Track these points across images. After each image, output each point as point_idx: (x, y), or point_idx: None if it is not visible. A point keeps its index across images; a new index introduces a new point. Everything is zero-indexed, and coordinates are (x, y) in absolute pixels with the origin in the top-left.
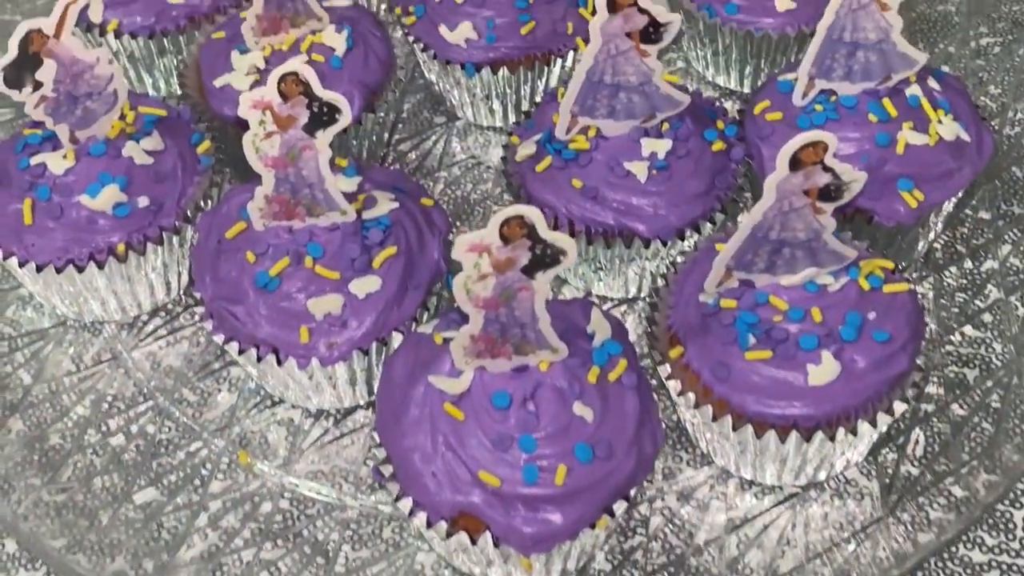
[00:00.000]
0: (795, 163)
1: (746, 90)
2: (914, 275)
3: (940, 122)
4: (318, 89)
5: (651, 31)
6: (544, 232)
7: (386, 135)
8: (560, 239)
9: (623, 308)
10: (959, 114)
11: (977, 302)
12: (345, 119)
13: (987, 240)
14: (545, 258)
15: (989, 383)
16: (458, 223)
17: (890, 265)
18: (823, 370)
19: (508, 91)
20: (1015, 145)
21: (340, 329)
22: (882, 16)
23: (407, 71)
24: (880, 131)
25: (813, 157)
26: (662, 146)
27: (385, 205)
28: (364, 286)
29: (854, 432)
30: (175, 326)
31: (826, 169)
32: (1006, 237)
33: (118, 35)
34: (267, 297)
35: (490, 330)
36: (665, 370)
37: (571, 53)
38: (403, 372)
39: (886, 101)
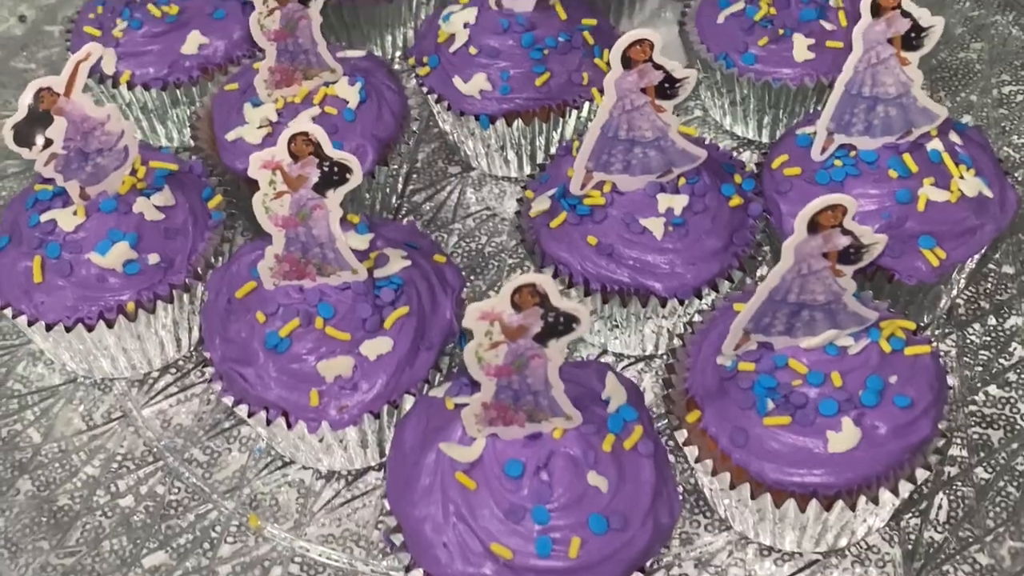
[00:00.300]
0: (813, 226)
1: (764, 140)
2: (936, 332)
3: (962, 177)
4: (328, 149)
5: (666, 86)
6: (557, 300)
7: (400, 186)
8: (573, 307)
9: (640, 366)
10: (981, 169)
11: (1001, 360)
12: (356, 179)
13: (1011, 296)
14: (558, 326)
15: (1015, 445)
16: (472, 277)
17: (911, 326)
18: (843, 437)
19: (523, 142)
20: None
21: (351, 392)
22: (902, 71)
23: (422, 120)
24: (901, 187)
25: (832, 220)
26: (679, 202)
27: (397, 263)
28: (375, 347)
29: (875, 501)
30: (185, 383)
31: (845, 232)
32: None
33: (131, 86)
34: (277, 359)
35: (502, 398)
36: (682, 435)
37: (587, 104)
38: (414, 438)
39: (907, 156)
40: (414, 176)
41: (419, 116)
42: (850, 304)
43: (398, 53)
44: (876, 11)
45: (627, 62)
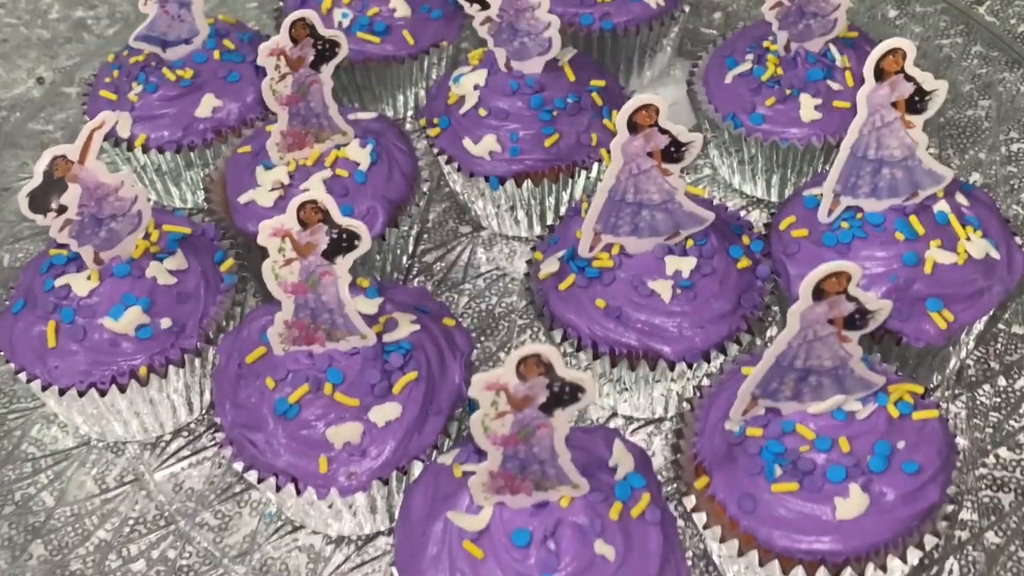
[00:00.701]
0: (819, 293)
1: (773, 199)
2: (946, 393)
3: (969, 239)
4: (337, 216)
5: (672, 150)
6: (562, 370)
7: (411, 246)
8: (578, 377)
9: (649, 428)
10: (988, 230)
11: (1012, 422)
12: (364, 245)
13: (1021, 356)
14: (563, 396)
15: None
16: (482, 338)
17: (919, 389)
18: (851, 503)
19: (533, 202)
20: None
21: (359, 458)
22: (907, 133)
23: (432, 180)
24: (908, 250)
25: (837, 287)
26: (686, 264)
27: (406, 328)
28: (384, 414)
29: (883, 568)
30: (197, 447)
31: (850, 298)
32: None
33: (146, 149)
34: (286, 425)
35: (509, 466)
36: (691, 501)
37: (596, 165)
38: (422, 507)
39: (913, 218)
40: (425, 236)
41: (430, 176)
42: (857, 369)
43: (410, 112)
44: (880, 75)
45: (633, 127)
